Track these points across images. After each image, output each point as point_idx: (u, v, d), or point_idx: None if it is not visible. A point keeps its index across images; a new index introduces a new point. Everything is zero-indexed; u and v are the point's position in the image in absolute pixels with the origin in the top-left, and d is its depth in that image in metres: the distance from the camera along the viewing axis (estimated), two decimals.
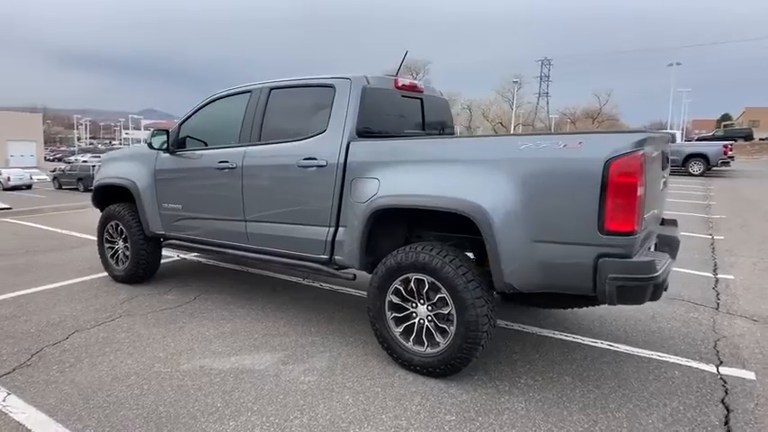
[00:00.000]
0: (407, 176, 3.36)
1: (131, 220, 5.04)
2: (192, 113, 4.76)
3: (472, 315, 3.06)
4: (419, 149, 3.44)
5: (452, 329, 3.16)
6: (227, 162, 4.28)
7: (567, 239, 2.84)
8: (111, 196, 5.35)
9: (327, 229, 3.75)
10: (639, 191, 2.70)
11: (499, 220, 2.95)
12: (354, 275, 3.80)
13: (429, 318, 3.28)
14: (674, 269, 6.07)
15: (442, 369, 3.23)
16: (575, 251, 2.82)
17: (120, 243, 5.25)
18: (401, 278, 3.33)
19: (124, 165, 5.21)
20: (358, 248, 3.55)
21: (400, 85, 4.16)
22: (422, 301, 3.30)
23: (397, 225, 3.71)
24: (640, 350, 3.78)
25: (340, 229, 3.70)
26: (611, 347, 3.83)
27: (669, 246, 3.67)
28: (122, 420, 2.78)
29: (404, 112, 4.26)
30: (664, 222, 4.11)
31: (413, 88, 4.33)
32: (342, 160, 3.63)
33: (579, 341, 3.94)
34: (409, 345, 3.35)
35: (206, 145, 4.59)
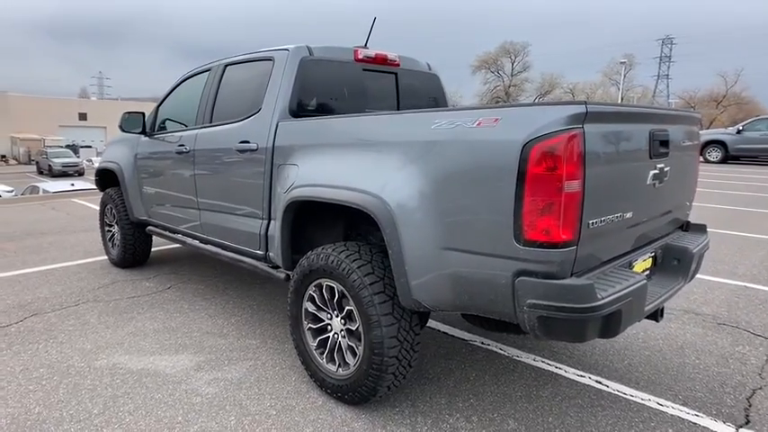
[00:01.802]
0: (323, 162, 2.82)
1: (120, 205, 5.01)
2: (167, 94, 4.56)
3: (377, 335, 2.47)
4: (337, 130, 2.87)
5: (360, 350, 2.60)
6: (183, 146, 4.01)
7: (480, 249, 2.14)
8: (109, 180, 5.37)
9: (261, 221, 3.33)
10: (571, 186, 1.93)
11: (406, 221, 2.32)
12: (288, 276, 3.34)
13: (342, 333, 2.74)
14: (737, 282, 4.90)
15: (350, 396, 2.68)
16: (490, 264, 2.12)
17: (116, 227, 5.25)
18: (314, 283, 2.82)
19: (117, 148, 5.18)
20: (280, 245, 3.09)
21: (361, 56, 3.58)
22: (336, 312, 2.76)
23: (335, 219, 3.17)
24: (636, 392, 2.92)
25: (272, 222, 3.25)
26: (598, 385, 3.00)
27: (679, 260, 2.76)
28: None
29: (368, 88, 3.67)
30: (687, 227, 3.16)
31: (382, 60, 3.73)
32: (270, 143, 3.18)
33: (560, 372, 3.15)
34: (323, 362, 2.84)
35: (180, 127, 4.37)
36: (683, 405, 2.81)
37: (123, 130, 4.58)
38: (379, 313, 2.45)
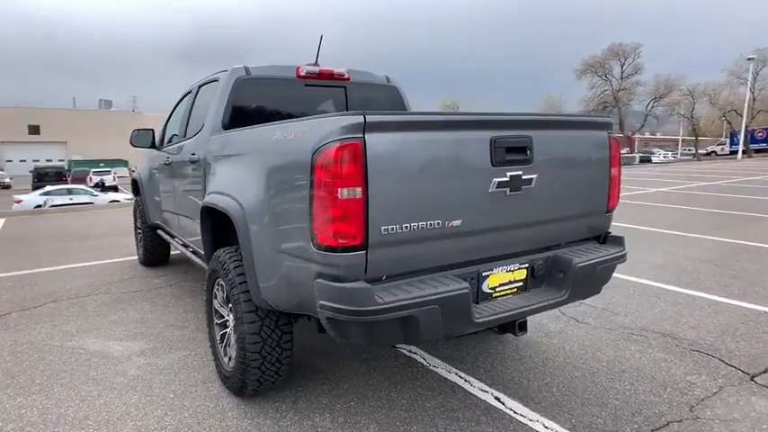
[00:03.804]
0: (224, 171, 3.09)
1: (141, 211, 5.72)
2: (172, 111, 5.14)
3: (241, 331, 2.67)
4: (234, 141, 3.12)
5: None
6: (168, 158, 4.53)
7: (296, 252, 2.26)
8: (137, 189, 6.13)
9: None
10: (351, 193, 1.99)
11: (253, 225, 2.51)
12: None
13: (231, 328, 2.97)
14: (756, 306, 4.28)
15: (231, 386, 2.91)
16: (302, 268, 2.24)
17: (141, 230, 5.98)
18: (216, 282, 3.09)
19: (142, 160, 5.92)
20: (203, 249, 3.41)
21: (303, 73, 3.82)
22: (229, 309, 3.01)
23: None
24: (529, 412, 2.79)
25: None
26: (494, 401, 2.91)
27: (564, 273, 2.62)
28: None
29: (311, 103, 3.89)
30: (605, 239, 2.95)
31: (328, 76, 3.92)
32: (203, 155, 3.52)
33: (464, 385, 3.09)
34: (222, 354, 3.10)
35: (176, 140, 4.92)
36: (569, 430, 2.63)
37: (133, 146, 5.24)
38: (243, 310, 2.65)
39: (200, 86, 4.28)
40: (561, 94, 53.83)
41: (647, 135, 77.52)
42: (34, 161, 50.53)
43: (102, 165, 40.11)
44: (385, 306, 2.01)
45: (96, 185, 29.55)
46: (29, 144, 56.42)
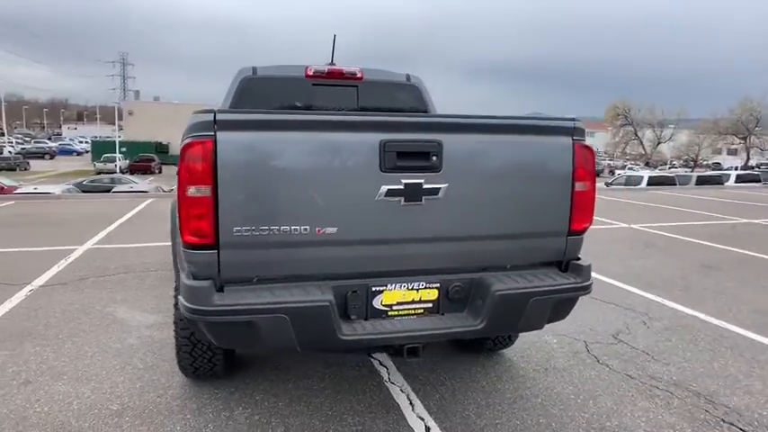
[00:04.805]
0: None
1: None
2: None
3: (175, 316, 2.82)
4: None
5: None
6: None
7: (181, 249, 2.31)
8: None
9: None
10: (199, 191, 1.97)
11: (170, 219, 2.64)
12: None
13: None
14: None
15: (179, 366, 3.09)
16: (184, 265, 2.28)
17: None
18: None
19: None
20: None
21: (311, 72, 3.86)
22: None
23: None
24: None
25: None
26: (419, 427, 2.63)
27: (483, 300, 2.28)
28: None
29: (318, 102, 3.91)
30: (566, 267, 2.49)
31: (338, 75, 3.91)
32: None
33: (404, 409, 2.85)
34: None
35: None
36: None
37: None
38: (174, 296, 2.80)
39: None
40: (764, 97, 45.35)
41: None
42: None
43: None
44: (221, 308, 1.96)
45: None
46: None
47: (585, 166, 2.37)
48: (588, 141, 2.43)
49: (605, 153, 70.67)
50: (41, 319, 4.06)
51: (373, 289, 2.23)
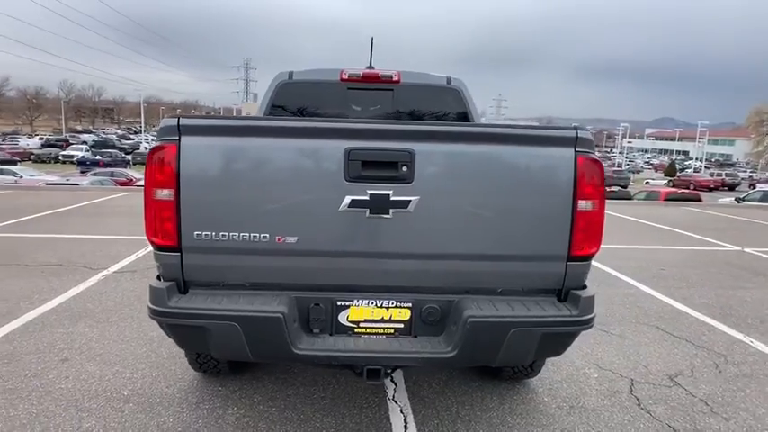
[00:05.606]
0: None
1: None
2: None
3: None
4: None
5: None
6: None
7: None
8: None
9: None
10: (162, 194, 2.01)
11: None
12: None
13: None
14: None
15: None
16: None
17: None
18: None
19: None
20: None
21: (346, 76, 3.83)
22: None
23: None
24: None
25: None
26: None
27: (456, 326, 2.09)
28: None
29: (353, 105, 3.87)
30: (565, 296, 2.18)
31: (374, 78, 3.83)
32: None
33: (396, 429, 2.69)
34: None
35: None
36: None
37: None
38: None
39: None
40: None
41: None
42: None
43: None
44: (175, 311, 1.97)
45: None
46: None
47: (591, 183, 2.05)
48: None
49: (746, 164, 62.70)
50: (102, 302, 4.48)
51: (338, 303, 2.12)
